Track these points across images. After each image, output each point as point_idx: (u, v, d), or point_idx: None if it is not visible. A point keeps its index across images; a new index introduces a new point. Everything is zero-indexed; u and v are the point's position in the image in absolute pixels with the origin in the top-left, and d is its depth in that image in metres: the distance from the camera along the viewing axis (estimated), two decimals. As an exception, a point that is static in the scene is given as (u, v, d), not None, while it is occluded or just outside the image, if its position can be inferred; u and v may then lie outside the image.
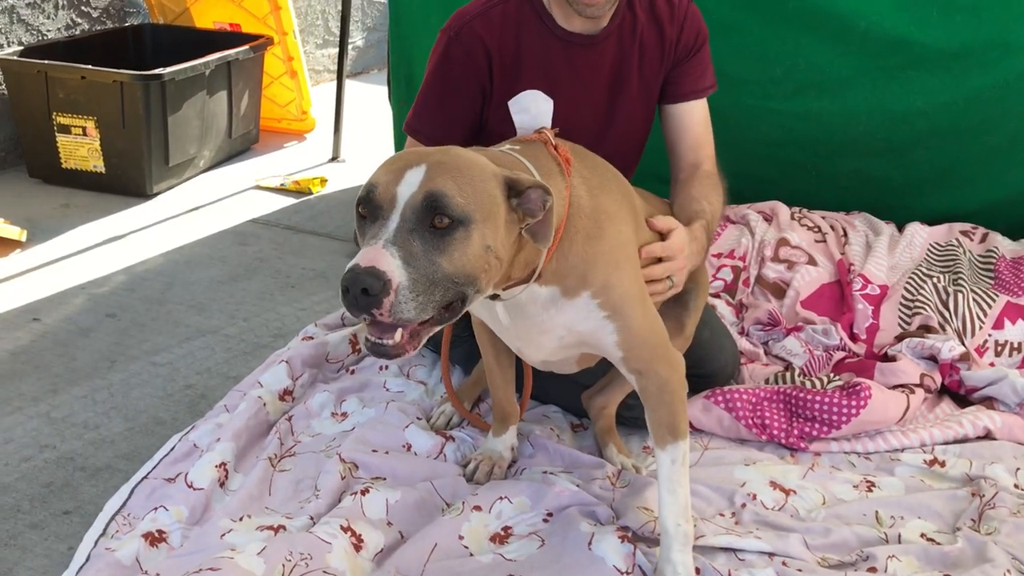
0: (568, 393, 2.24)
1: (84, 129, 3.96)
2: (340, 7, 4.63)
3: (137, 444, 2.30)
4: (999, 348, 2.56)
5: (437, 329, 1.46)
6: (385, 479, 1.97)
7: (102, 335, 2.83)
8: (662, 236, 1.90)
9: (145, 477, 1.97)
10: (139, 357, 2.70)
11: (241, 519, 1.82)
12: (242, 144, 4.68)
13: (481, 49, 2.05)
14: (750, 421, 2.18)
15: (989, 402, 2.33)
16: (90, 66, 3.90)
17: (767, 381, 2.37)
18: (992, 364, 2.49)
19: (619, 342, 1.69)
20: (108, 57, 4.26)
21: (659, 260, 1.86)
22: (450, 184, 1.39)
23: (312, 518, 1.83)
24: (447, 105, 2.09)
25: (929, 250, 2.99)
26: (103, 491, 2.10)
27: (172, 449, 2.06)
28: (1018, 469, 2.09)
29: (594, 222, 1.64)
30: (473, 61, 2.05)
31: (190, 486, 1.91)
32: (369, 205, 1.41)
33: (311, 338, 2.50)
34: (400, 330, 1.39)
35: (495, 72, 2.06)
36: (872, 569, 1.75)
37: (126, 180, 4.00)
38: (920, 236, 3.05)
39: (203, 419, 2.18)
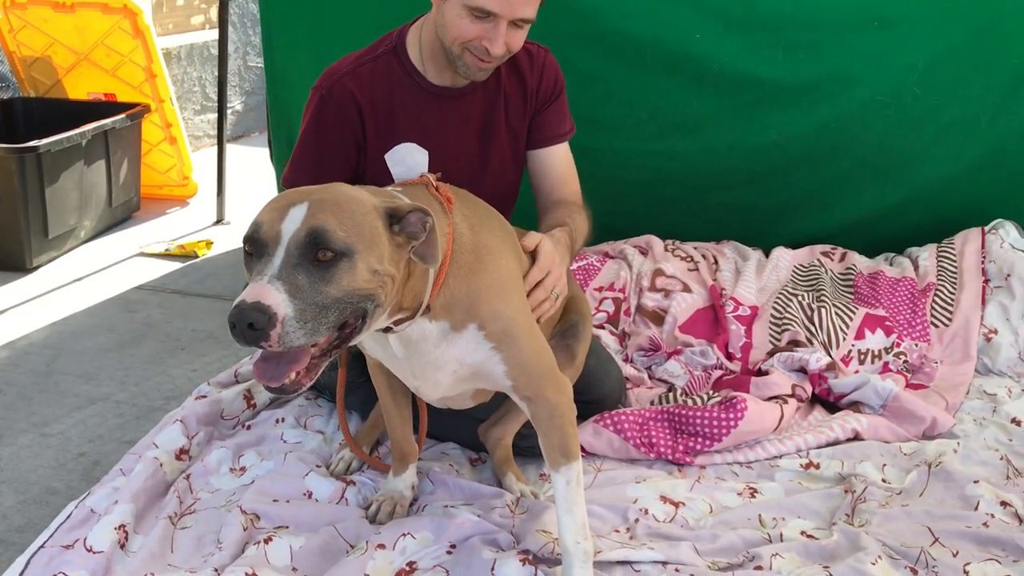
0: (465, 428, 2.30)
1: (-43, 205, 3.87)
2: (217, 73, 4.67)
3: (31, 516, 2.26)
4: (862, 356, 2.75)
5: (335, 354, 1.52)
6: (288, 527, 1.99)
7: (-13, 411, 2.77)
8: (532, 256, 1.99)
9: (42, 546, 1.93)
10: (28, 430, 2.65)
11: (144, 578, 1.82)
12: (123, 212, 4.64)
13: (352, 105, 2.13)
14: (638, 441, 2.29)
15: (856, 406, 2.51)
16: (-40, 142, 3.84)
17: (652, 403, 2.49)
18: (856, 371, 2.67)
19: (507, 371, 1.76)
20: (-22, 132, 4.19)
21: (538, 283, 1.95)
22: (331, 219, 1.46)
23: (216, 570, 1.83)
24: (323, 159, 2.15)
25: (794, 271, 3.19)
26: (-3, 566, 2.05)
27: (69, 516, 2.03)
28: (884, 465, 2.25)
29: (476, 257, 1.73)
30: (346, 116, 2.13)
31: (89, 550, 1.88)
32: (255, 243, 1.47)
33: (204, 397, 2.50)
34: (293, 369, 1.45)
35: (368, 126, 2.14)
36: (758, 567, 1.86)
37: (4, 255, 3.92)
38: (785, 259, 3.24)
39: (99, 484, 2.15)
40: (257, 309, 1.37)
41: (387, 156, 2.16)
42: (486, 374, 1.78)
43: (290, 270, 1.43)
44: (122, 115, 4.43)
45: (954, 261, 3.08)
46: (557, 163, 2.32)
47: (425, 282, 1.64)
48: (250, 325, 1.37)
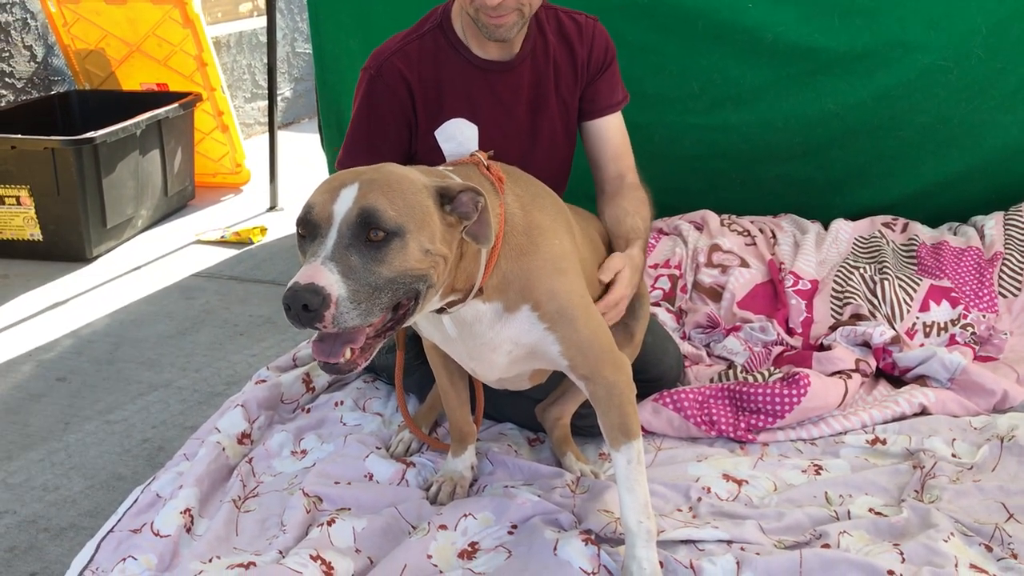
0: (522, 409, 2.29)
1: (18, 198, 3.95)
2: (266, 61, 4.69)
3: (99, 501, 2.30)
4: (927, 329, 2.68)
5: (390, 335, 1.52)
6: (350, 509, 2.01)
7: (53, 399, 2.82)
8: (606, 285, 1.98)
9: (111, 531, 1.97)
10: (93, 417, 2.70)
11: (211, 560, 1.84)
12: (179, 201, 4.70)
13: (402, 84, 2.12)
14: (698, 419, 2.26)
15: (922, 380, 2.45)
16: (19, 135, 3.90)
17: (711, 380, 2.46)
18: (922, 345, 2.61)
19: (563, 351, 1.74)
20: (37, 125, 4.27)
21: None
22: (381, 199, 1.46)
23: (281, 552, 1.85)
24: (376, 141, 2.15)
25: (854, 244, 3.12)
26: (68, 550, 2.10)
27: (135, 501, 2.07)
28: (954, 440, 2.19)
29: (528, 238, 1.71)
30: (396, 96, 2.12)
31: (156, 534, 1.91)
32: (307, 225, 1.47)
33: (264, 381, 2.52)
34: (348, 347, 1.45)
35: (418, 104, 2.14)
36: (826, 545, 1.83)
37: (65, 246, 3.99)
38: (845, 231, 3.18)
39: (163, 469, 2.19)
40: (311, 291, 1.37)
41: (437, 132, 2.16)
42: (542, 354, 1.77)
43: (343, 251, 1.43)
44: (175, 104, 4.48)
45: (1022, 229, 2.99)
46: (612, 134, 2.28)
47: (477, 263, 1.63)
48: (304, 307, 1.37)
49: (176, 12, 4.64)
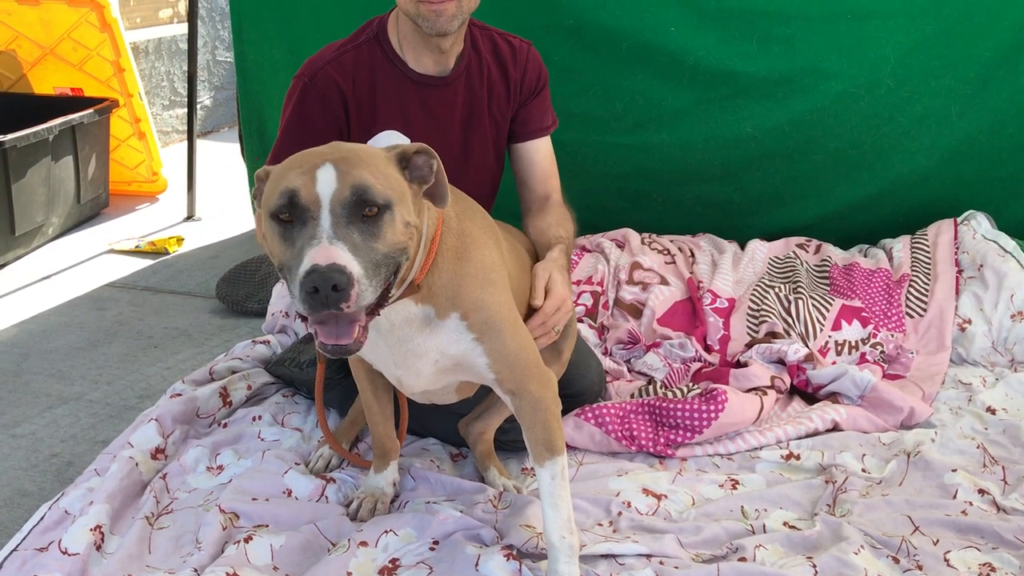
0: (445, 424, 2.29)
1: (-81, 203, 3.79)
2: (186, 68, 4.61)
3: (2, 518, 2.21)
4: (839, 347, 2.76)
5: (377, 315, 1.52)
6: (268, 526, 1.97)
7: (-46, 413, 2.71)
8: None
9: (14, 549, 1.90)
10: (-3, 431, 2.60)
11: (122, 579, 1.79)
12: (92, 209, 4.57)
13: (336, 93, 2.11)
14: (619, 434, 2.28)
15: (834, 397, 2.52)
16: (-78, 137, 3.75)
17: (632, 396, 2.49)
18: (834, 363, 2.68)
19: (490, 364, 1.74)
20: (-59, 128, 4.10)
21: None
22: (367, 175, 1.46)
23: (196, 570, 1.81)
24: (306, 148, 2.13)
25: (770, 263, 3.20)
26: (-31, 569, 2.01)
27: (42, 518, 2.00)
28: (864, 455, 2.26)
29: (462, 243, 1.72)
30: (329, 105, 2.11)
31: (65, 552, 1.85)
32: (295, 209, 1.44)
33: (179, 395, 2.46)
34: (356, 326, 1.45)
35: (351, 114, 2.13)
36: (742, 559, 1.87)
37: (-31, 253, 3.85)
38: (761, 251, 3.26)
39: (72, 485, 2.12)
40: (336, 270, 1.36)
41: (369, 144, 2.15)
42: (469, 366, 1.76)
43: (343, 230, 1.42)
44: (90, 110, 4.35)
45: (928, 252, 3.11)
46: (540, 157, 2.32)
47: (418, 254, 1.63)
48: (333, 287, 1.35)
49: (93, 16, 4.52)
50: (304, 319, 1.49)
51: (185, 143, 4.67)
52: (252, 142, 3.82)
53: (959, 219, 3.22)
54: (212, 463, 2.25)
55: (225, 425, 2.42)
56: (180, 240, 4.21)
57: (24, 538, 1.94)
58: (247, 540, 1.87)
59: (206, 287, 3.64)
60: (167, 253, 4.09)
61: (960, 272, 3.00)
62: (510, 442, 2.26)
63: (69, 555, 1.85)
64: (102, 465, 2.17)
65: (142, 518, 1.98)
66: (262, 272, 3.50)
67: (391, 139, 2.15)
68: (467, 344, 1.72)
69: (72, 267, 3.93)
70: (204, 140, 6.05)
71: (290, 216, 1.45)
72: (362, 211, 1.45)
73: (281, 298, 2.95)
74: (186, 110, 4.70)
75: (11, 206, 3.87)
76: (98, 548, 1.90)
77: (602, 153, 3.43)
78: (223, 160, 5.47)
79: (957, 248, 3.09)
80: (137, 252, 4.10)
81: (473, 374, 1.80)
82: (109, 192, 4.72)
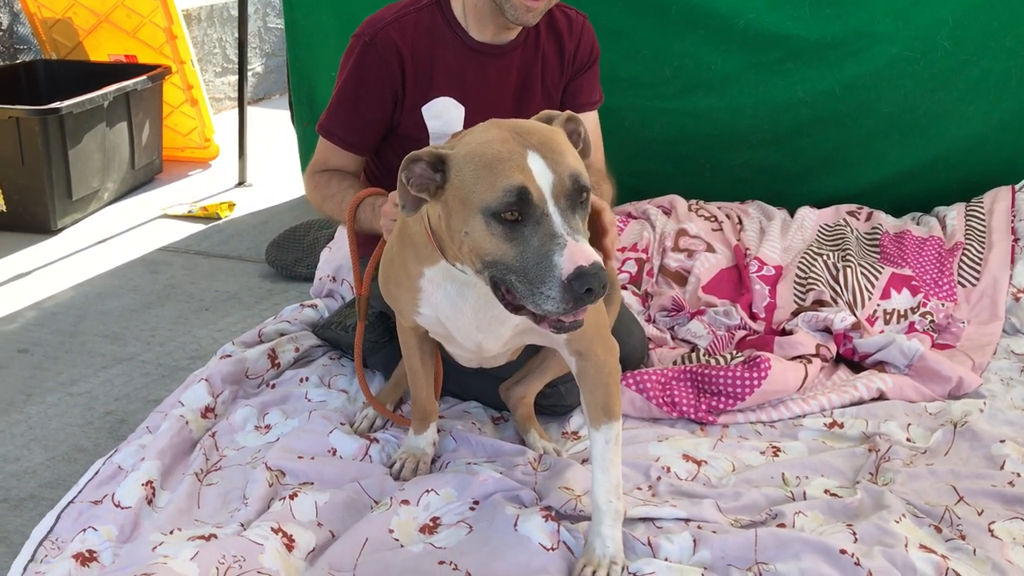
0: (486, 388, 2.30)
1: (-19, 168, 3.89)
2: (237, 35, 4.65)
3: (60, 472, 2.29)
4: (887, 316, 2.72)
5: None
6: (312, 483, 2.01)
7: (15, 370, 2.79)
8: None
9: (71, 502, 1.97)
10: (55, 389, 2.68)
11: (171, 532, 1.84)
12: (146, 174, 4.65)
13: (395, 55, 2.12)
14: (660, 400, 2.28)
15: (881, 366, 2.49)
16: (-17, 104, 3.84)
17: (675, 362, 2.48)
18: (882, 331, 2.65)
19: None
20: (1, 94, 4.19)
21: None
22: (573, 161, 1.47)
23: (243, 525, 1.86)
24: (361, 108, 2.15)
25: (819, 231, 3.16)
26: (28, 520, 2.08)
27: (96, 473, 2.06)
28: (909, 424, 2.24)
29: None
30: (387, 66, 2.12)
31: (117, 505, 1.91)
32: (525, 207, 1.42)
33: (229, 356, 2.51)
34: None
35: (408, 78, 2.14)
36: (781, 525, 1.86)
37: (29, 217, 3.94)
38: (810, 219, 3.21)
39: (125, 442, 2.18)
40: (599, 267, 1.38)
41: (424, 109, 2.16)
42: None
43: (573, 221, 1.43)
44: (143, 77, 4.42)
45: (983, 220, 3.04)
46: (588, 131, 2.30)
47: None
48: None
49: (146, -17, 4.58)
50: (538, 317, 1.48)
51: (236, 110, 4.72)
52: (302, 108, 3.84)
53: (1017, 186, 3.14)
54: (260, 422, 2.30)
55: (273, 386, 2.46)
56: (231, 205, 4.27)
57: (80, 491, 2.00)
58: (292, 497, 1.92)
59: (256, 252, 3.70)
60: (218, 218, 4.15)
61: (1016, 241, 2.94)
62: (550, 406, 2.27)
63: (122, 508, 1.91)
64: (154, 423, 2.23)
65: (191, 474, 2.04)
66: (310, 237, 3.54)
67: (446, 106, 2.15)
68: None
69: (126, 231, 4.01)
70: (255, 107, 6.11)
71: (520, 214, 1.42)
72: (579, 198, 1.44)
73: (328, 263, 2.98)
74: (237, 77, 4.75)
75: (68, 171, 3.96)
76: (149, 502, 1.96)
77: (650, 118, 3.40)
78: (274, 127, 5.52)
79: (1014, 216, 3.02)
80: (189, 217, 4.18)
81: (547, 337, 1.81)
82: (162, 158, 4.80)
